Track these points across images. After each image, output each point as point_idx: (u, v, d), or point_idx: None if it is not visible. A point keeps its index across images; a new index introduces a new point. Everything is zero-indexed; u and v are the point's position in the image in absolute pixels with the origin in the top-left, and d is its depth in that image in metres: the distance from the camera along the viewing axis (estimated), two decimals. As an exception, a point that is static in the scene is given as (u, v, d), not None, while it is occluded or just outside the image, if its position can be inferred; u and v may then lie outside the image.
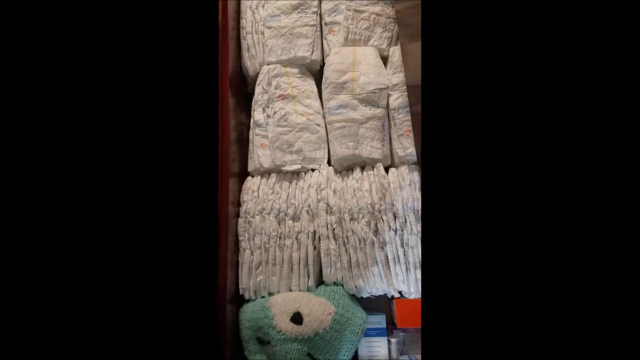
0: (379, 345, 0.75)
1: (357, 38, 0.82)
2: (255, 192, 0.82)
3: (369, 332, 0.75)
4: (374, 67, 0.80)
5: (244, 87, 0.94)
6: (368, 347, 0.75)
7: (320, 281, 0.79)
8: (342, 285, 0.76)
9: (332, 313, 0.70)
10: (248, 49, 0.89)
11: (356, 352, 0.74)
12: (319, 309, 0.70)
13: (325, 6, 0.86)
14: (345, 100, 0.79)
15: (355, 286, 0.74)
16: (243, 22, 0.90)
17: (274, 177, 0.83)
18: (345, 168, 0.81)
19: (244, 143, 0.89)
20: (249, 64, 0.89)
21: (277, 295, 0.75)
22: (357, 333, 0.71)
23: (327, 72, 0.82)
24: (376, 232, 0.75)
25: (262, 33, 0.87)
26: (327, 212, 0.78)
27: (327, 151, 0.84)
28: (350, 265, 0.75)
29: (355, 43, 0.83)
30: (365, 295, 0.76)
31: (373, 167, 0.79)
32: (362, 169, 0.80)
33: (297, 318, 0.69)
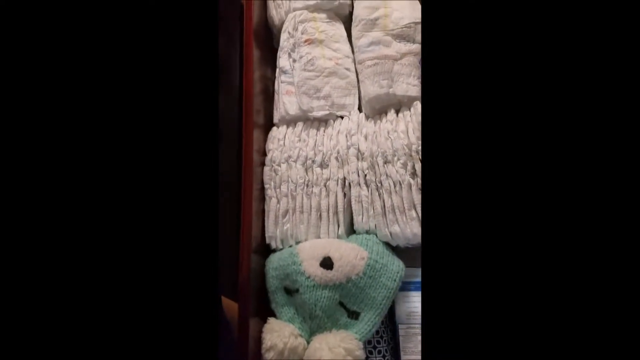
0: (418, 301, 0.67)
1: (389, -23, 0.78)
2: (281, 140, 0.78)
3: (405, 286, 0.68)
4: (407, 1, 0.75)
5: (270, 41, 0.91)
6: (406, 302, 0.67)
7: (351, 230, 0.73)
8: (376, 235, 0.69)
9: (365, 258, 0.64)
10: (274, -2, 0.86)
11: (392, 307, 0.67)
12: (350, 253, 0.64)
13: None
14: (378, 36, 0.74)
15: (390, 233, 0.68)
16: (268, -30, 0.87)
17: (300, 125, 0.78)
18: (377, 111, 0.76)
19: (269, 97, 0.85)
20: (274, 13, 0.86)
21: (305, 242, 0.70)
22: (395, 280, 0.64)
23: (357, 10, 0.77)
24: (413, 174, 0.68)
25: (289, -19, 0.84)
26: (357, 158, 0.72)
27: (357, 97, 0.79)
28: (385, 211, 0.68)
29: (387, -18, 0.78)
30: (401, 243, 0.69)
31: (409, 108, 0.73)
32: (397, 112, 0.74)
33: (327, 263, 0.63)
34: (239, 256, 0.71)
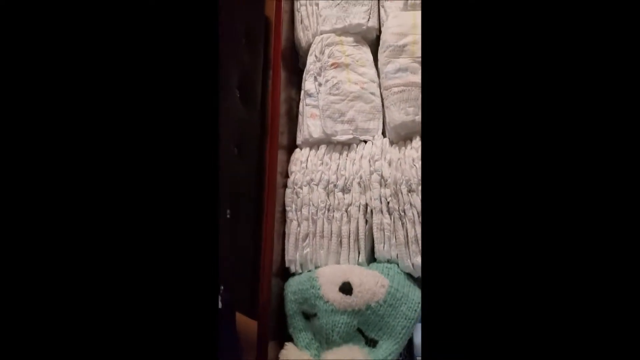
0: (438, 334, 0.66)
1: (418, 3, 0.78)
2: (304, 162, 0.78)
3: (426, 319, 0.66)
4: (437, 28, 0.74)
5: (296, 62, 0.91)
6: (425, 335, 0.66)
7: (372, 259, 0.72)
8: (397, 264, 0.68)
9: (385, 286, 0.63)
10: (302, 21, 0.87)
11: (411, 339, 0.66)
12: (371, 280, 0.63)
13: (385, -28, 0.83)
14: (405, 63, 0.74)
15: (413, 264, 0.67)
16: (297, -7, 0.88)
17: (323, 148, 0.78)
18: (402, 138, 0.75)
19: (293, 118, 0.86)
20: (302, 35, 0.87)
21: (325, 267, 0.69)
22: (415, 310, 0.63)
23: (385, 36, 0.77)
24: (437, 204, 0.67)
25: (317, 4, 0.84)
26: (381, 185, 0.71)
27: (381, 122, 0.78)
28: (407, 241, 0.67)
29: (415, 8, 0.78)
30: (423, 274, 0.68)
31: (434, 136, 0.72)
32: (422, 139, 0.74)
33: (346, 288, 0.63)
34: (258, 277, 0.71)
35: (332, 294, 0.63)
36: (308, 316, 0.67)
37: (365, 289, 0.63)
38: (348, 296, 0.62)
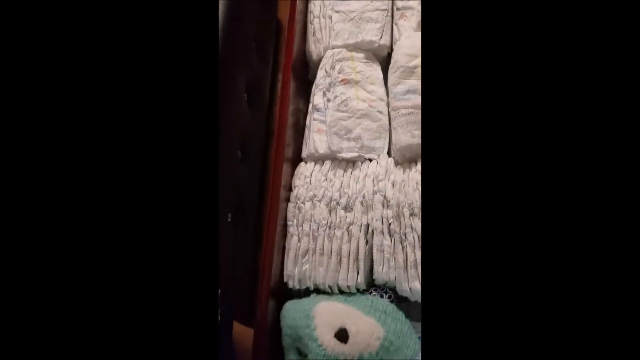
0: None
1: (431, 23, 0.77)
2: (308, 177, 0.78)
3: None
4: (449, 52, 0.74)
5: (306, 73, 0.91)
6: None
7: (370, 280, 0.72)
8: (395, 289, 0.68)
9: (380, 338, 0.61)
10: (314, 33, 0.86)
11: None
12: (367, 330, 0.61)
13: (398, -9, 0.82)
14: (415, 85, 0.74)
15: (410, 288, 0.67)
16: (311, 5, 0.88)
17: (328, 164, 0.78)
18: (407, 160, 0.75)
19: (299, 130, 0.86)
20: (313, 48, 0.86)
21: (322, 304, 0.67)
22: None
23: (397, 56, 0.77)
24: (438, 229, 0.67)
25: (330, 17, 0.84)
26: (383, 205, 0.71)
27: (387, 141, 0.78)
28: (407, 265, 0.67)
29: (429, 29, 0.78)
30: (420, 299, 0.68)
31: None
32: (426, 161, 0.73)
33: (342, 335, 0.61)
34: (256, 290, 0.71)
35: (327, 337, 0.61)
36: (301, 354, 0.65)
37: (361, 340, 0.61)
38: (343, 344, 0.60)
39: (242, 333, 0.75)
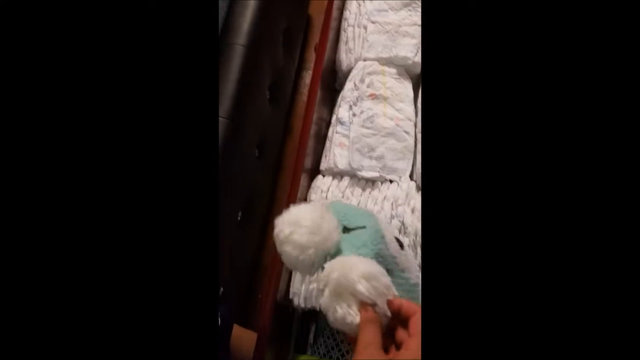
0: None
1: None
2: (325, 192, 0.75)
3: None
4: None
5: (333, 82, 0.88)
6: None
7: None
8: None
9: None
10: (346, 42, 0.83)
11: None
12: None
13: (439, 7, 0.78)
14: (446, 110, 0.70)
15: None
16: (347, 13, 0.84)
17: (346, 180, 0.75)
18: (430, 186, 0.72)
19: (320, 140, 0.83)
20: (344, 57, 0.83)
21: None
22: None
23: (431, 77, 0.74)
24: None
25: (365, 27, 0.81)
26: (400, 232, 0.69)
27: (411, 163, 0.75)
28: (418, 298, 0.65)
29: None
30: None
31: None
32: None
33: None
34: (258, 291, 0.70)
35: None
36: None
37: None
38: None
39: (241, 336, 0.74)
